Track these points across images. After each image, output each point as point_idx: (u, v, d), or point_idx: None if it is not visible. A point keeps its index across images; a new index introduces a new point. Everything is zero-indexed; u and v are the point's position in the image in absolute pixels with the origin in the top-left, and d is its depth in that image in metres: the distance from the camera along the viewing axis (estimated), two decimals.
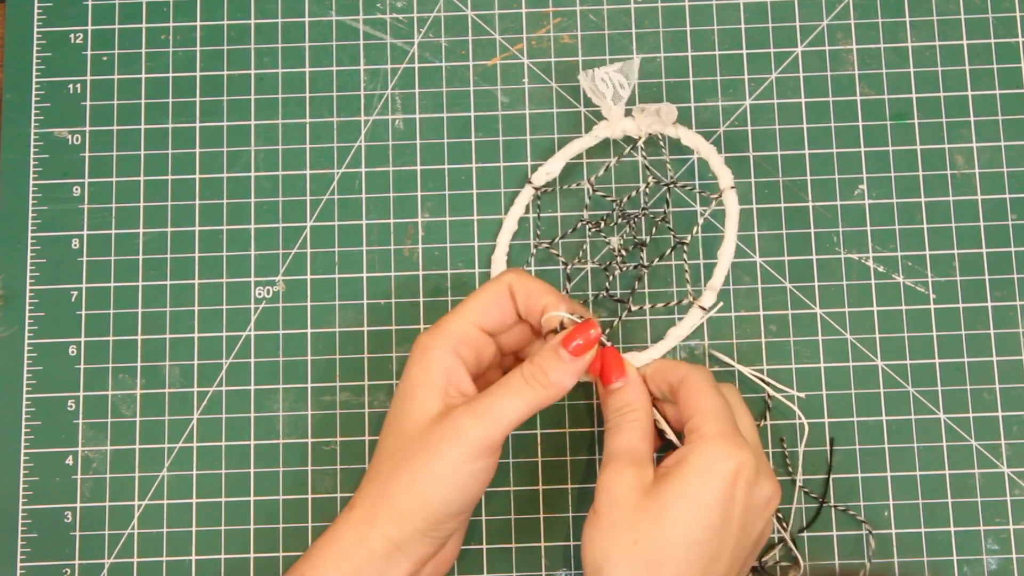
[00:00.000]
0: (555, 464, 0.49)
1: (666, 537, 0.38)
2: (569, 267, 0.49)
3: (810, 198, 0.50)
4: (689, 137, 0.48)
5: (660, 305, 0.49)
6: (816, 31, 0.52)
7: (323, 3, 0.52)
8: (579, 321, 0.41)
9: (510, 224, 0.50)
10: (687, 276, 0.48)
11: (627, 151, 0.49)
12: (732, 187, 0.47)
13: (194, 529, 0.48)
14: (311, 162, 0.51)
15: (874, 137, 0.51)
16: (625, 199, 0.49)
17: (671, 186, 0.49)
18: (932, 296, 0.50)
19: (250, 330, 0.50)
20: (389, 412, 0.42)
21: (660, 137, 0.49)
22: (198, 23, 0.52)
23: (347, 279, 0.50)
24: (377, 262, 0.50)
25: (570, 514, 0.48)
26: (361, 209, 0.51)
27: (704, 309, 0.47)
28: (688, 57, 0.52)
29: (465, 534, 0.45)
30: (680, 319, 0.47)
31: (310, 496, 0.49)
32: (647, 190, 0.49)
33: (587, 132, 0.49)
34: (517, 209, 0.50)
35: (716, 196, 0.47)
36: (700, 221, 0.50)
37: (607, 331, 0.46)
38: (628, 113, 0.48)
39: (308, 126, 0.51)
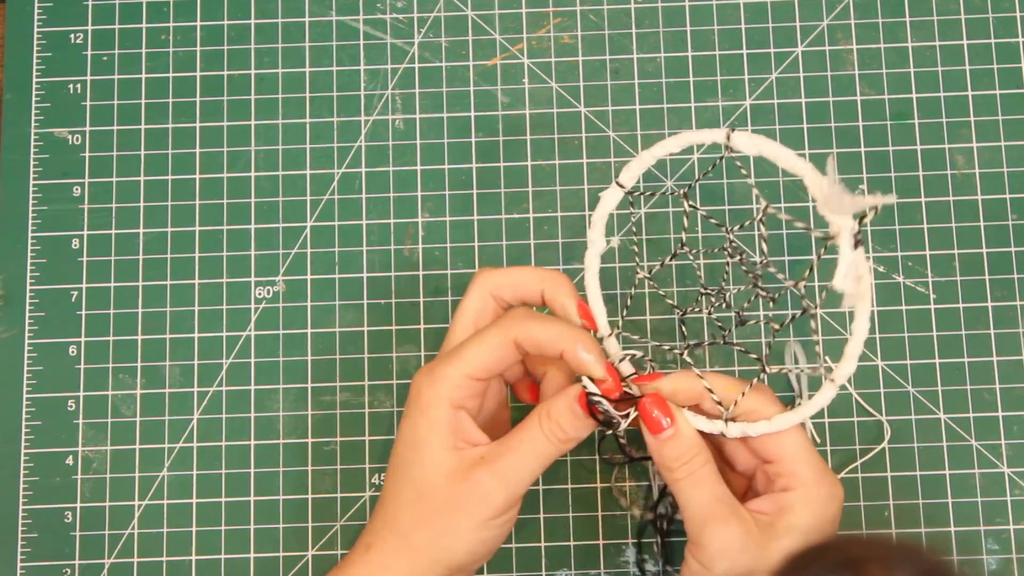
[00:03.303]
0: (556, 464, 0.49)
1: None
2: (681, 313, 0.44)
3: (810, 198, 0.50)
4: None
5: (803, 370, 0.44)
6: (816, 31, 0.52)
7: (323, 3, 0.52)
8: (599, 375, 0.40)
9: (597, 237, 0.43)
10: (818, 349, 0.41)
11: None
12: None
13: (194, 529, 0.48)
14: (311, 162, 0.51)
15: (874, 137, 0.51)
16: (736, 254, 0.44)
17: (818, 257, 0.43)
18: (932, 296, 0.50)
19: (250, 330, 0.50)
20: (396, 457, 0.41)
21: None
22: (198, 23, 0.52)
23: (347, 279, 0.50)
24: (377, 262, 0.50)
25: (570, 514, 0.48)
26: (361, 209, 0.51)
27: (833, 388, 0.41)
28: (688, 57, 0.52)
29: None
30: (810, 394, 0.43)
31: (310, 496, 0.49)
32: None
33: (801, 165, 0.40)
34: (602, 215, 0.43)
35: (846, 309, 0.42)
36: (817, 309, 0.44)
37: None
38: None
39: (308, 126, 0.51)
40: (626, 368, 0.41)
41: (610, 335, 0.42)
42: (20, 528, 0.48)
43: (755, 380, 0.41)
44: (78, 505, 0.49)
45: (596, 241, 0.43)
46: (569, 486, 0.49)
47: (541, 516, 0.48)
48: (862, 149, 0.51)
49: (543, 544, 0.48)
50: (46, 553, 0.48)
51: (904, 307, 0.49)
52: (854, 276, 0.39)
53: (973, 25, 0.51)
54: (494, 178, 0.51)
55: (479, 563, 0.41)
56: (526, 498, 0.48)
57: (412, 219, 0.51)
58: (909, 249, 0.50)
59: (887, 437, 0.48)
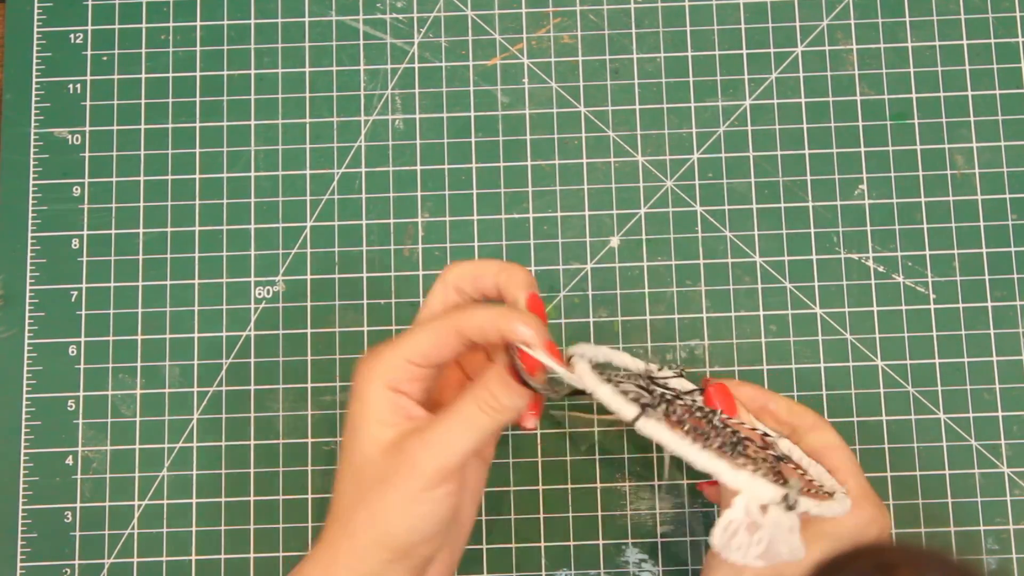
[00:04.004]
0: (555, 464, 0.49)
1: None
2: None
3: (810, 198, 0.50)
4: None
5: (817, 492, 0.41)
6: (816, 31, 0.52)
7: (323, 3, 0.52)
8: (528, 343, 0.37)
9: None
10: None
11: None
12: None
13: (194, 529, 0.48)
14: (311, 162, 0.51)
15: (874, 137, 0.51)
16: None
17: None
18: (932, 296, 0.50)
19: (250, 330, 0.50)
20: (341, 446, 0.40)
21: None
22: (198, 23, 0.52)
23: (347, 279, 0.50)
24: (377, 262, 0.50)
25: (570, 514, 0.48)
26: (361, 209, 0.51)
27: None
28: (688, 57, 0.52)
29: (458, 552, 0.42)
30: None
31: (310, 496, 0.49)
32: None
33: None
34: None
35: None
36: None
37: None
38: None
39: (308, 126, 0.51)
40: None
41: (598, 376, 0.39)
42: (20, 528, 0.48)
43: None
44: (78, 505, 0.49)
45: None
46: (569, 486, 0.49)
47: (541, 516, 0.48)
48: (862, 149, 0.51)
49: (543, 544, 0.48)
50: (46, 553, 0.48)
51: (904, 307, 0.49)
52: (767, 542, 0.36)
53: (973, 25, 0.51)
54: (494, 178, 0.51)
55: (427, 544, 0.38)
56: (525, 497, 0.48)
57: (412, 219, 0.51)
58: (909, 249, 0.50)
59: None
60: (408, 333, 0.39)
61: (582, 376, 0.39)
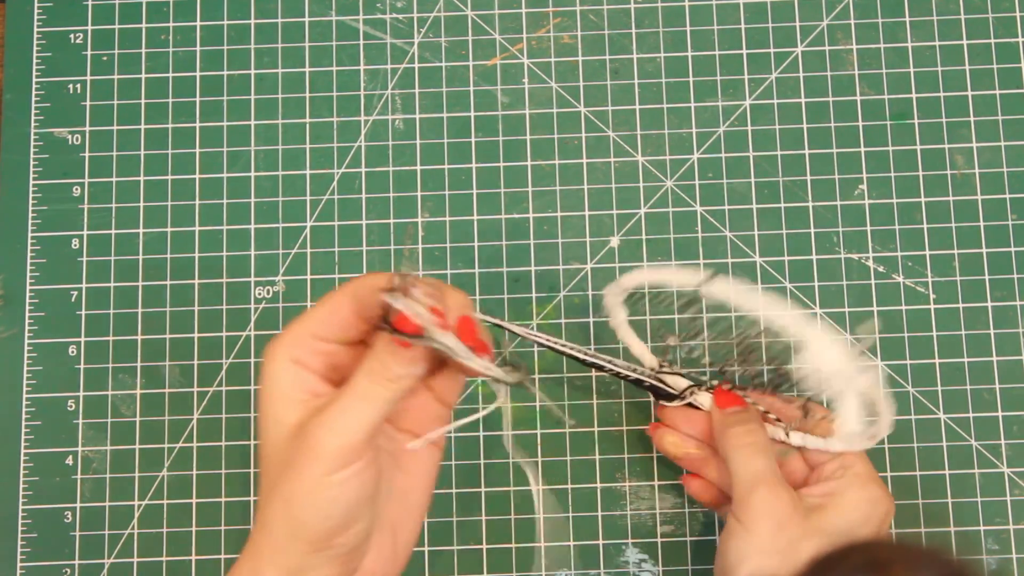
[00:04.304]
0: (555, 464, 0.49)
1: None
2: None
3: (810, 198, 0.50)
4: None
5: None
6: (816, 31, 0.52)
7: (323, 3, 0.52)
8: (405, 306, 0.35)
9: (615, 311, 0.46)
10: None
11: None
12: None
13: (194, 529, 0.48)
14: (311, 162, 0.51)
15: (874, 137, 0.51)
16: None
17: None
18: (932, 296, 0.50)
19: (250, 330, 0.50)
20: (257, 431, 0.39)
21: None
22: (198, 23, 0.52)
23: (347, 279, 0.50)
24: (377, 262, 0.50)
25: (570, 514, 0.48)
26: (361, 209, 0.51)
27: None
28: (688, 57, 0.52)
29: (404, 543, 0.39)
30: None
31: None
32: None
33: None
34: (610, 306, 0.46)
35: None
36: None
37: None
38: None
39: (308, 126, 0.51)
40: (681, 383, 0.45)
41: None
42: (20, 528, 0.48)
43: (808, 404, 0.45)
44: (78, 505, 0.49)
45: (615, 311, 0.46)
46: (569, 486, 0.49)
47: (540, 516, 0.48)
48: (862, 149, 0.51)
49: (543, 544, 0.48)
50: (46, 553, 0.48)
51: (904, 307, 0.49)
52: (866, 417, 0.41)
53: (973, 25, 0.51)
54: (494, 178, 0.51)
55: (346, 532, 0.36)
56: (524, 497, 0.48)
57: (412, 219, 0.51)
58: (909, 249, 0.50)
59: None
60: (307, 310, 0.38)
61: (618, 328, 0.46)
